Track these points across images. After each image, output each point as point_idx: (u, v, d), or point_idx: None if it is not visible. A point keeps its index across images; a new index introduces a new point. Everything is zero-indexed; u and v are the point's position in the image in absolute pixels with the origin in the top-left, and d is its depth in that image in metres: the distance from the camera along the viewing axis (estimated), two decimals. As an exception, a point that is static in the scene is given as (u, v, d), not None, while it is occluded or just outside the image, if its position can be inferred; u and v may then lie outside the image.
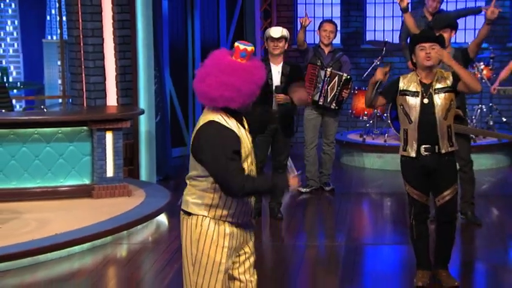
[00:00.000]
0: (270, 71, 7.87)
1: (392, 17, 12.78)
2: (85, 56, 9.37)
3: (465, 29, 11.93)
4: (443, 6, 10.12)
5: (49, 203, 8.25)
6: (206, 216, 4.15)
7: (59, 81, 13.69)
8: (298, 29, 9.12)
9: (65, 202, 8.30)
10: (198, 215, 4.16)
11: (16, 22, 15.51)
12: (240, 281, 4.28)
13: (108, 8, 9.26)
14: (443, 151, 5.85)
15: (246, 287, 4.30)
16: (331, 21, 9.41)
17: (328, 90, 9.04)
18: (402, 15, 8.02)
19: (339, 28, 9.97)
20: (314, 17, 12.27)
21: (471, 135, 9.05)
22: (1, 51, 15.50)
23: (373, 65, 11.22)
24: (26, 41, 15.55)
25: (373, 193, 9.66)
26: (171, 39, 11.04)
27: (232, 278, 4.27)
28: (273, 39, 7.88)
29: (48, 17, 15.44)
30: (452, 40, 7.74)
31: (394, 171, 7.89)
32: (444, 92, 5.85)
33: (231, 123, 4.07)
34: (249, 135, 4.19)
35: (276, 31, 7.90)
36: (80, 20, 9.29)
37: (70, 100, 10.09)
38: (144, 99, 9.36)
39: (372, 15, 12.92)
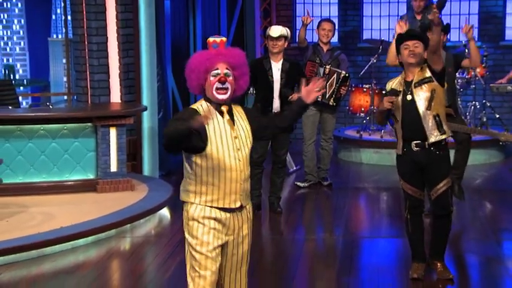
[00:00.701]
0: (270, 68, 7.90)
1: (389, 16, 12.78)
2: (89, 54, 9.36)
3: (459, 28, 11.91)
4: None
5: (54, 197, 8.25)
6: (193, 203, 4.22)
7: (64, 79, 13.67)
8: (298, 27, 9.12)
9: (70, 196, 8.30)
10: (187, 202, 4.26)
11: (22, 21, 15.49)
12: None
13: (112, 8, 9.25)
14: (431, 140, 5.80)
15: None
16: (329, 20, 9.41)
17: (327, 87, 9.03)
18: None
19: (336, 27, 9.96)
20: (313, 16, 12.25)
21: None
22: (8, 50, 15.47)
23: (369, 63, 11.22)
24: (32, 40, 15.53)
25: (370, 188, 9.65)
26: (173, 37, 11.02)
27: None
28: (272, 39, 7.89)
29: (53, 16, 15.41)
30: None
31: (390, 166, 7.89)
32: (424, 84, 5.81)
33: (206, 109, 4.16)
34: (228, 124, 4.21)
35: (275, 31, 7.90)
36: (85, 19, 9.28)
37: (75, 97, 10.09)
38: (147, 96, 9.36)
39: (369, 14, 12.91)
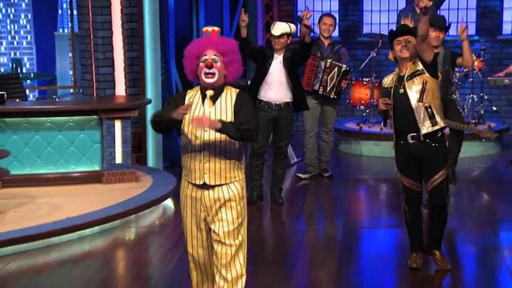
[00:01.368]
0: (272, 57, 7.91)
1: (388, 10, 12.75)
2: (95, 48, 9.35)
3: (457, 22, 11.87)
4: None
5: (61, 188, 8.25)
6: (183, 177, 4.56)
7: (70, 72, 13.68)
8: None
9: (76, 187, 8.30)
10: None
11: (29, 16, 15.48)
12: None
13: (117, 2, 9.23)
14: (423, 132, 5.78)
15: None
16: (330, 15, 9.39)
17: (328, 80, 9.03)
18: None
19: (337, 21, 9.94)
20: (314, 11, 12.24)
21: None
22: (15, 43, 15.47)
23: (369, 57, 11.20)
24: (38, 34, 15.52)
25: (370, 179, 9.65)
26: (176, 32, 11.00)
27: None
28: (275, 37, 7.89)
29: (59, 11, 15.40)
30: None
31: (389, 158, 7.89)
32: (415, 76, 5.79)
33: (194, 93, 4.48)
34: (204, 107, 4.41)
35: (277, 29, 7.89)
36: (90, 14, 9.27)
37: (81, 90, 10.08)
38: (151, 89, 9.35)
39: (369, 9, 12.89)
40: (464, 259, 6.60)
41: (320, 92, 9.09)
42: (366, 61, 11.36)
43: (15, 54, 15.39)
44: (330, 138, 9.40)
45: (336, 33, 11.94)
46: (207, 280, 4.70)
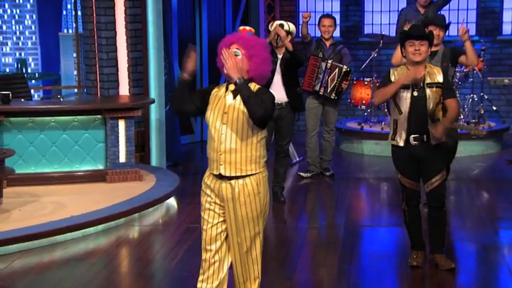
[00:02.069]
0: (276, 57, 7.94)
1: (389, 11, 12.74)
2: (99, 48, 9.36)
3: (457, 23, 11.87)
4: None
5: (65, 187, 8.26)
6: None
7: (75, 72, 13.70)
8: (301, 22, 9.11)
9: (80, 186, 8.31)
10: None
11: (34, 16, 15.51)
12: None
13: (121, 3, 9.24)
14: (433, 142, 5.81)
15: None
16: (329, 16, 9.36)
17: (329, 81, 9.02)
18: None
19: (338, 22, 9.94)
20: (315, 12, 12.24)
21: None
22: (20, 44, 15.49)
23: (370, 57, 11.20)
24: (43, 34, 15.55)
25: (371, 178, 9.64)
26: (180, 32, 11.01)
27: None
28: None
29: (64, 12, 15.43)
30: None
31: (390, 158, 7.85)
32: (435, 87, 5.80)
33: (220, 88, 4.52)
34: (225, 100, 4.45)
35: (282, 24, 7.94)
36: (94, 15, 9.27)
37: (85, 90, 10.09)
38: (155, 89, 9.35)
39: (370, 9, 12.87)
40: (464, 257, 6.60)
41: (321, 93, 9.08)
42: (367, 61, 11.35)
43: (20, 54, 15.42)
44: (331, 137, 9.39)
45: (337, 34, 11.94)
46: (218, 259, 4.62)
